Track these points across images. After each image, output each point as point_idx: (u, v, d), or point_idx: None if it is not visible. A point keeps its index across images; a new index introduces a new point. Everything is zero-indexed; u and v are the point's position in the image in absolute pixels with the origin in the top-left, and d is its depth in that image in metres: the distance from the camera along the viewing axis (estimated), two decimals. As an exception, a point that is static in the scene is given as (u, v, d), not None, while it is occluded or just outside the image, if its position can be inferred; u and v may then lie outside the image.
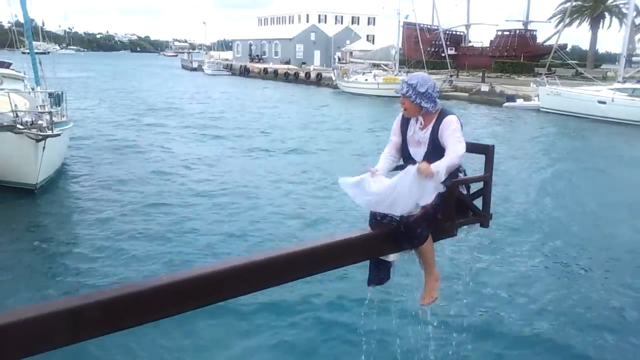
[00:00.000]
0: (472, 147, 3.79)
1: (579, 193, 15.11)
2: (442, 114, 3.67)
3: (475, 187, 4.02)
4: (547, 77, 36.70)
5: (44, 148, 12.48)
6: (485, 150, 3.90)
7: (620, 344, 7.06)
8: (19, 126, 12.16)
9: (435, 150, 3.59)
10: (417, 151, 3.68)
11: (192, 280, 2.55)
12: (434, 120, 3.65)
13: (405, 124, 3.79)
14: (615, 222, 12.29)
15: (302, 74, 61.31)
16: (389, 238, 3.51)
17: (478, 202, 3.98)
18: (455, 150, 3.50)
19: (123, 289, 2.38)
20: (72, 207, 12.76)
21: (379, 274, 3.83)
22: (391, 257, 3.69)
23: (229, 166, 17.36)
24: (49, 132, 12.31)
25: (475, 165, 4.26)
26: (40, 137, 12.20)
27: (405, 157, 3.77)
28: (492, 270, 9.26)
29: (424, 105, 3.60)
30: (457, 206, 3.66)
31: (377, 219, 3.57)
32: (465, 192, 3.83)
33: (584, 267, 9.61)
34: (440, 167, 3.38)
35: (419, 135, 3.69)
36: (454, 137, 3.55)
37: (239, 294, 2.83)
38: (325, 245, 3.19)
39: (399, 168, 3.77)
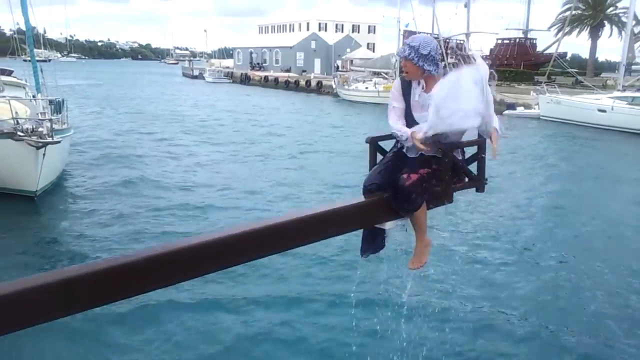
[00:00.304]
0: None
1: (578, 201, 15.11)
2: (446, 75, 3.53)
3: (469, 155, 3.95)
4: (547, 85, 36.77)
5: (44, 155, 12.50)
6: None
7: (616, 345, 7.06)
8: (19, 133, 12.18)
9: None
10: (422, 115, 3.50)
11: (188, 250, 2.50)
12: (438, 82, 3.48)
13: (406, 88, 3.61)
14: (615, 229, 12.28)
15: (302, 82, 61.45)
16: (384, 205, 3.43)
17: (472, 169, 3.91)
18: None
19: (116, 260, 2.33)
20: (71, 214, 12.76)
21: (373, 243, 3.75)
22: (387, 225, 3.61)
23: (229, 172, 17.37)
24: (49, 139, 12.31)
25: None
26: (40, 144, 12.21)
27: (408, 121, 3.58)
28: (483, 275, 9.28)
29: (426, 68, 3.46)
30: (453, 171, 3.57)
31: (370, 189, 3.47)
32: (459, 157, 3.70)
33: (583, 273, 9.59)
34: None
35: (424, 99, 3.51)
36: None
37: (235, 263, 2.77)
38: (321, 213, 3.13)
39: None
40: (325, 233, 3.25)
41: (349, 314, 7.25)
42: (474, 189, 3.83)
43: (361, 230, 3.73)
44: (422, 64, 3.45)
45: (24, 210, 12.70)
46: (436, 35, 52.08)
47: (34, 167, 12.58)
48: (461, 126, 3.37)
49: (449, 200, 3.62)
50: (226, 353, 6.93)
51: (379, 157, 3.75)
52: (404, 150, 3.58)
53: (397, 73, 47.59)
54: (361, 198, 3.46)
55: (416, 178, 3.34)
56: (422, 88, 3.55)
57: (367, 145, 3.76)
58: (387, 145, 3.76)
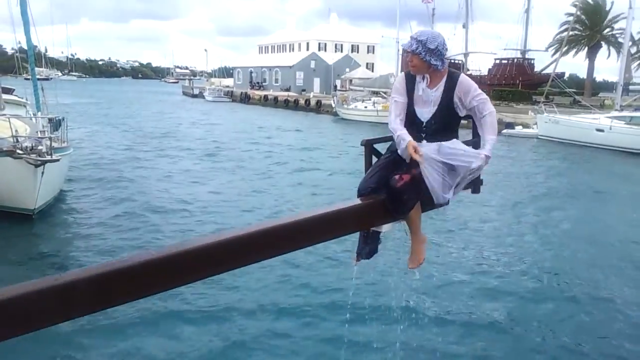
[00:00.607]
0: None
1: (573, 218, 15.11)
2: (453, 74, 3.56)
3: None
4: (545, 105, 36.95)
5: (42, 173, 12.49)
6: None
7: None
8: (18, 151, 12.20)
9: (445, 110, 3.49)
10: (424, 110, 3.53)
11: (184, 254, 2.48)
12: (443, 79, 3.52)
13: (410, 82, 3.60)
14: (610, 248, 12.27)
15: (302, 101, 61.76)
16: (380, 207, 3.41)
17: None
18: (492, 116, 3.56)
19: (113, 264, 2.31)
20: (70, 233, 12.72)
21: (368, 248, 3.74)
22: (384, 228, 3.62)
23: (229, 191, 17.36)
24: (48, 158, 12.33)
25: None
26: (39, 162, 12.22)
27: (409, 116, 3.59)
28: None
29: (433, 63, 3.43)
30: None
31: (365, 192, 3.47)
32: None
33: (580, 292, 9.56)
34: (490, 146, 3.52)
35: (427, 94, 3.52)
36: (485, 100, 3.55)
37: (232, 268, 2.76)
38: (318, 216, 3.11)
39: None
40: (322, 236, 3.23)
41: (343, 324, 7.28)
42: (470, 190, 3.85)
43: (357, 235, 3.73)
44: (429, 58, 3.44)
45: (22, 229, 12.66)
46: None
47: (33, 185, 12.57)
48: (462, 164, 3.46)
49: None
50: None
51: (375, 160, 3.76)
52: (399, 152, 3.56)
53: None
54: (357, 201, 3.45)
55: (408, 179, 3.33)
56: (427, 83, 3.54)
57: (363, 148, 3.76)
58: (383, 147, 3.77)
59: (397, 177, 3.34)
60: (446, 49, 3.54)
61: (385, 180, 3.42)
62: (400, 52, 52.73)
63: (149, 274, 2.38)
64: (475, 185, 3.83)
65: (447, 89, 3.50)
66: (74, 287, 2.17)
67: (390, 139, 3.65)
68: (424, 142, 3.47)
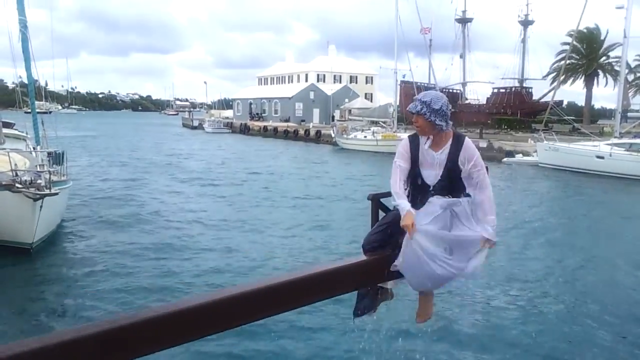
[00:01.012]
0: None
1: (577, 246, 14.97)
2: (458, 136, 3.56)
3: None
4: (544, 132, 37.09)
5: (41, 207, 12.41)
6: None
7: None
8: (17, 185, 12.14)
9: (452, 172, 3.48)
10: (430, 173, 3.52)
11: (188, 311, 2.47)
12: (449, 141, 3.51)
13: (415, 146, 3.59)
14: (611, 275, 12.12)
15: (301, 132, 62.02)
16: (385, 263, 3.37)
17: None
18: (490, 198, 3.53)
19: (116, 321, 2.30)
20: (68, 267, 12.56)
21: (367, 303, 3.67)
22: (389, 284, 3.56)
23: (231, 223, 17.21)
24: (47, 191, 12.26)
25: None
26: (37, 196, 12.16)
27: (413, 178, 3.57)
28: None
29: (438, 123, 3.44)
30: None
31: (371, 248, 3.44)
32: None
33: (577, 321, 9.38)
34: (492, 229, 3.50)
35: (432, 157, 3.52)
36: (485, 175, 3.53)
37: (233, 326, 2.72)
38: (322, 273, 3.08)
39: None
40: (327, 293, 3.18)
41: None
42: None
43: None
44: (433, 119, 3.44)
45: (19, 263, 12.50)
46: (432, 85, 52.99)
47: (31, 219, 12.47)
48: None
49: None
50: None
51: (381, 214, 3.70)
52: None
53: (395, 122, 48.41)
54: (362, 257, 3.41)
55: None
56: (430, 144, 3.54)
57: (363, 193, 3.71)
58: (388, 201, 3.70)
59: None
60: (450, 110, 3.57)
61: (392, 237, 3.42)
62: (399, 82, 53.22)
63: (154, 330, 2.37)
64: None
65: (452, 152, 3.51)
66: (78, 344, 2.15)
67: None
68: (435, 197, 3.46)
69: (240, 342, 8.35)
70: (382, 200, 3.74)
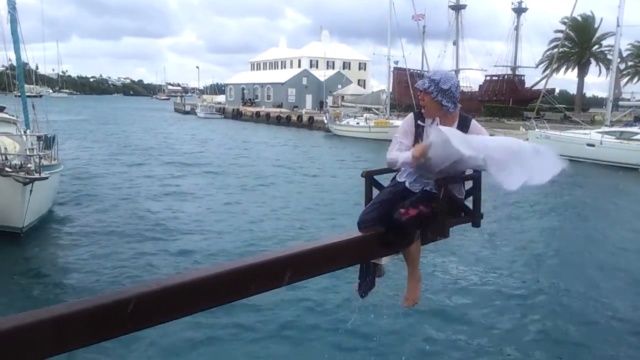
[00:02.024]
0: None
1: (564, 232, 15.11)
2: (465, 118, 3.46)
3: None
4: (536, 120, 37.17)
5: (31, 191, 12.35)
6: None
7: None
8: (6, 169, 12.07)
9: None
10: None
11: (180, 287, 2.45)
12: (455, 123, 3.39)
13: (419, 125, 3.45)
14: (600, 262, 12.25)
15: (294, 117, 61.86)
16: (380, 240, 3.35)
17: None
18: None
19: (109, 296, 2.28)
20: (58, 251, 12.55)
21: (367, 281, 3.63)
22: (383, 260, 3.54)
23: (220, 206, 17.21)
24: (37, 176, 12.20)
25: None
26: (27, 180, 12.09)
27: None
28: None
29: (445, 104, 3.32)
30: (449, 206, 3.49)
31: (366, 224, 3.38)
32: (461, 194, 3.61)
33: (567, 303, 9.50)
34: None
35: None
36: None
37: (230, 301, 2.70)
38: (316, 249, 3.06)
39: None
40: (321, 269, 3.16)
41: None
42: (470, 223, 3.77)
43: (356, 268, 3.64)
44: (440, 99, 3.33)
45: (9, 247, 12.46)
46: (426, 72, 52.88)
47: (21, 203, 12.42)
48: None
49: (444, 235, 3.55)
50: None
51: (375, 191, 3.68)
52: (407, 185, 3.49)
53: (388, 109, 48.38)
54: (357, 233, 3.39)
55: (415, 213, 3.25)
56: (437, 125, 3.38)
57: (355, 182, 3.71)
58: (382, 179, 3.70)
59: (402, 210, 3.26)
60: (459, 92, 3.44)
61: (387, 213, 3.34)
62: (392, 68, 53.10)
63: (147, 306, 2.34)
64: (475, 218, 3.74)
65: None
66: (70, 318, 2.13)
67: (391, 171, 3.57)
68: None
69: (228, 318, 8.44)
70: (375, 177, 3.72)
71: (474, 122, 3.48)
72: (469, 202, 3.63)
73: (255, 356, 7.62)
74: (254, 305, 8.80)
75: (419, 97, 3.46)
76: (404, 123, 3.57)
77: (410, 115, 3.59)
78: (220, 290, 2.60)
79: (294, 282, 3.01)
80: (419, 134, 3.43)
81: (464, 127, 3.41)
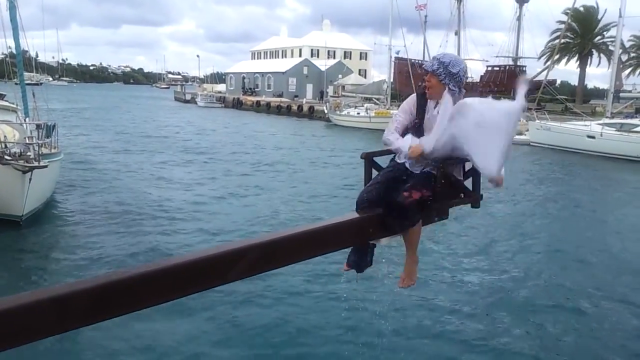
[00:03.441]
0: None
1: (564, 224, 15.13)
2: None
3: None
4: (536, 112, 37.10)
5: (30, 179, 12.34)
6: None
7: None
8: (6, 157, 12.06)
9: None
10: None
11: (184, 266, 2.47)
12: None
13: (421, 105, 3.44)
14: (601, 254, 12.27)
15: (294, 107, 61.72)
16: (379, 221, 3.34)
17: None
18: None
19: (110, 276, 2.30)
20: (58, 240, 12.57)
21: (361, 260, 3.57)
22: (383, 242, 3.53)
23: (220, 193, 17.23)
24: (36, 164, 12.19)
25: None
26: (27, 168, 12.08)
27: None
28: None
29: (451, 88, 3.28)
30: (449, 187, 3.48)
31: (364, 205, 3.35)
32: (460, 175, 3.56)
33: (566, 295, 9.53)
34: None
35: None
36: None
37: (232, 280, 2.69)
38: (315, 230, 3.06)
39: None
40: (319, 250, 3.15)
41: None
42: (469, 204, 3.76)
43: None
44: (448, 82, 3.30)
45: (9, 235, 12.48)
46: (426, 62, 52.70)
47: (20, 191, 12.41)
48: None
49: (444, 215, 3.55)
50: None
51: (374, 173, 3.68)
52: (407, 165, 3.46)
53: (389, 99, 48.24)
54: (355, 214, 3.38)
55: (418, 197, 3.23)
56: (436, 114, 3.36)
57: (356, 171, 3.70)
58: (382, 160, 3.69)
59: (406, 193, 3.23)
60: (466, 77, 3.41)
61: (386, 194, 3.32)
62: (393, 58, 52.91)
63: (148, 286, 2.36)
64: (474, 199, 3.73)
65: None
66: (71, 298, 2.15)
67: (391, 152, 3.56)
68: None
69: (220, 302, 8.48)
70: (375, 159, 3.71)
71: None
72: (469, 184, 3.62)
73: (253, 345, 7.65)
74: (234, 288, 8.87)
75: (426, 78, 3.42)
76: (405, 103, 3.56)
77: (413, 96, 3.57)
78: (219, 271, 2.59)
79: (294, 264, 3.03)
80: (421, 116, 3.42)
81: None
